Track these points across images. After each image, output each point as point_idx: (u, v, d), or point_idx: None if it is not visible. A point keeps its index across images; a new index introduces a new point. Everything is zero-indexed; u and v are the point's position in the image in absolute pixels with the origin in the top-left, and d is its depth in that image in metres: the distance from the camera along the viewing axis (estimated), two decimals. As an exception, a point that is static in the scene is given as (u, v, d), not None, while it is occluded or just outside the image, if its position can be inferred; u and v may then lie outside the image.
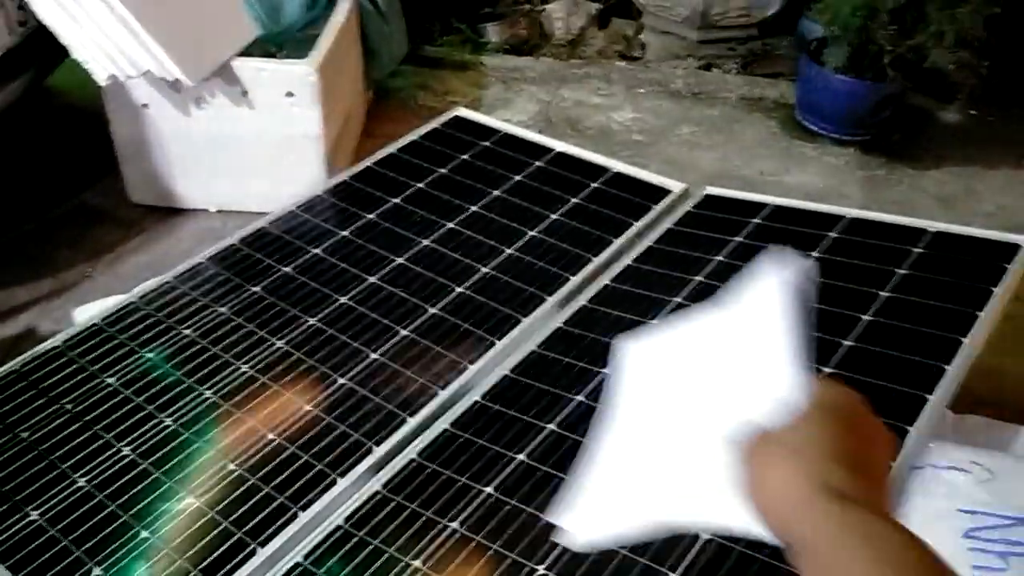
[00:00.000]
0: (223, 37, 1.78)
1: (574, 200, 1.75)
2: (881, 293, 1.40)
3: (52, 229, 1.92)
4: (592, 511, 0.69)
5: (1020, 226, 2.13)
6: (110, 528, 1.15)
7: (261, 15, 1.86)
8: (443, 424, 1.29)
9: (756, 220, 1.64)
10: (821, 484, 0.56)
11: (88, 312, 1.51)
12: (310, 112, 1.83)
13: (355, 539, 1.13)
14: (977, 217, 2.16)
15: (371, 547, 1.12)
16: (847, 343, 1.31)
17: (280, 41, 2.10)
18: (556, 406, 1.29)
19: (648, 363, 0.73)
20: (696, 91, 2.62)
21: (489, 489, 1.17)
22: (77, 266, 1.83)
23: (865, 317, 1.35)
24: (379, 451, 1.24)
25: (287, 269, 1.57)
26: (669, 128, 2.45)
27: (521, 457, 1.21)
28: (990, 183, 2.29)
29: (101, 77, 1.64)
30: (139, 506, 1.18)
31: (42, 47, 1.70)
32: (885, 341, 1.30)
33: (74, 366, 1.39)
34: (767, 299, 0.66)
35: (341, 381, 1.35)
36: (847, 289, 1.42)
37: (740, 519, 0.61)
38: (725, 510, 0.62)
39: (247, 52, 1.87)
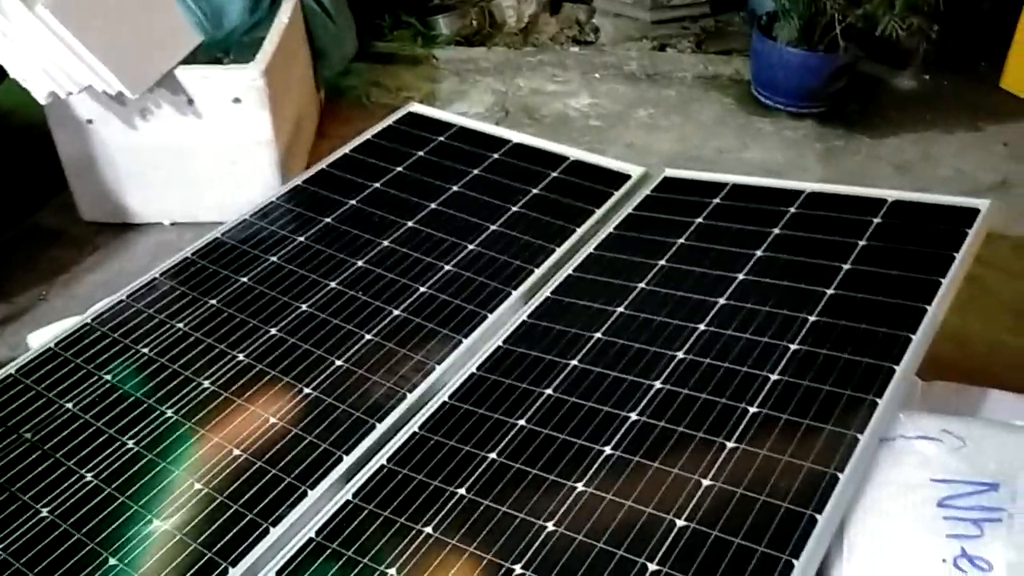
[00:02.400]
0: (164, 46, 1.74)
1: (533, 191, 1.73)
2: (843, 265, 1.40)
3: (4, 252, 1.87)
4: None
5: (978, 189, 2.15)
6: (76, 557, 1.12)
7: (202, 20, 1.82)
8: (412, 427, 1.27)
9: (716, 200, 1.63)
10: None
11: (42, 337, 1.47)
12: (259, 117, 1.79)
13: (328, 551, 1.11)
14: (935, 182, 2.17)
15: (345, 558, 1.10)
16: (812, 318, 1.30)
17: (226, 47, 2.06)
18: (525, 401, 1.27)
19: None
20: (651, 72, 2.61)
21: (462, 491, 1.16)
22: (31, 289, 1.78)
23: (828, 291, 1.35)
24: (348, 460, 1.22)
25: (244, 279, 1.54)
26: (626, 112, 2.44)
27: (493, 456, 1.20)
28: (946, 147, 2.30)
29: (41, 95, 1.60)
30: (105, 533, 1.15)
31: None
32: (850, 314, 1.30)
33: (30, 393, 1.35)
34: None
35: (306, 391, 1.33)
36: (809, 264, 1.42)
37: None
38: None
39: (192, 60, 1.83)
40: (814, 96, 2.42)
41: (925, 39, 2.30)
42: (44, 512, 1.18)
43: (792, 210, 1.56)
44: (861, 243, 1.44)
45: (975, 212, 1.46)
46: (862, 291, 1.34)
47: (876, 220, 1.49)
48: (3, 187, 2.00)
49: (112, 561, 1.12)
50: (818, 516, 1.02)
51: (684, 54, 2.74)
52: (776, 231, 1.51)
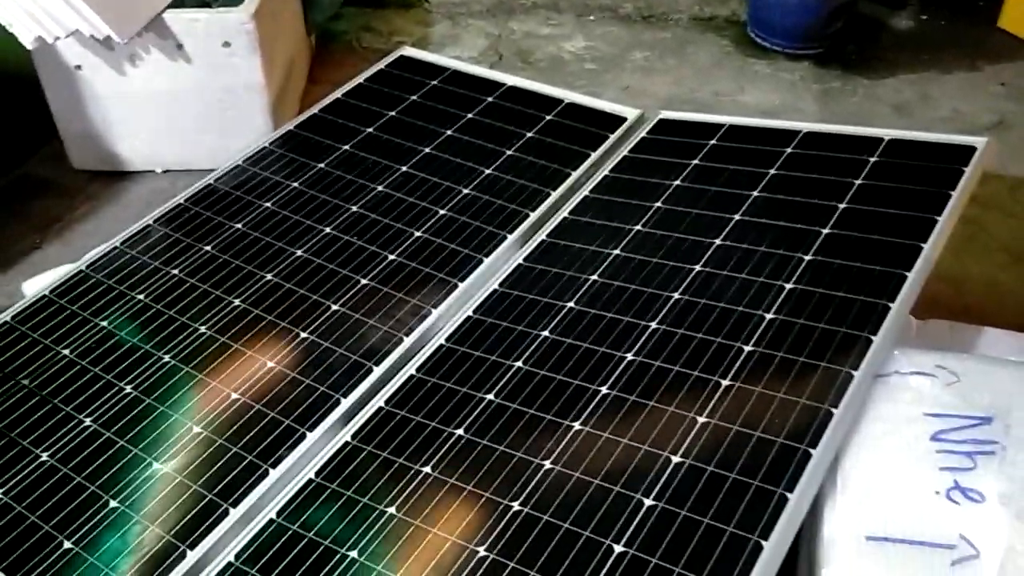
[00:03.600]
0: (151, -11, 1.71)
1: (528, 134, 1.72)
2: (839, 205, 1.39)
3: (-5, 202, 1.86)
4: None
5: (976, 129, 2.13)
6: (78, 500, 1.14)
7: (190, -37, 1.79)
8: (410, 370, 1.27)
9: (712, 141, 1.62)
10: None
11: (37, 284, 1.47)
12: (250, 61, 1.77)
13: (328, 491, 1.12)
14: (934, 123, 2.15)
15: (344, 497, 1.11)
16: (807, 257, 1.30)
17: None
18: (522, 344, 1.28)
19: None
20: (647, 15, 2.58)
21: (460, 431, 1.17)
22: (26, 238, 1.77)
23: (824, 230, 1.35)
24: (347, 402, 1.23)
25: (238, 225, 1.53)
26: (621, 55, 2.41)
27: (490, 396, 1.20)
28: (945, 88, 2.28)
29: (27, 40, 1.57)
30: (105, 476, 1.16)
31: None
32: (845, 253, 1.30)
33: (27, 340, 1.35)
34: None
35: (303, 335, 1.33)
36: (805, 204, 1.41)
37: None
38: None
39: (180, 3, 1.80)
40: (811, 37, 2.40)
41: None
42: (44, 456, 1.19)
43: (788, 150, 1.55)
44: (857, 182, 1.43)
45: (971, 150, 1.45)
46: (857, 230, 1.33)
47: (872, 159, 1.48)
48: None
49: (113, 504, 1.13)
50: (812, 451, 1.03)
51: (680, -5, 2.70)
52: (772, 171, 1.51)
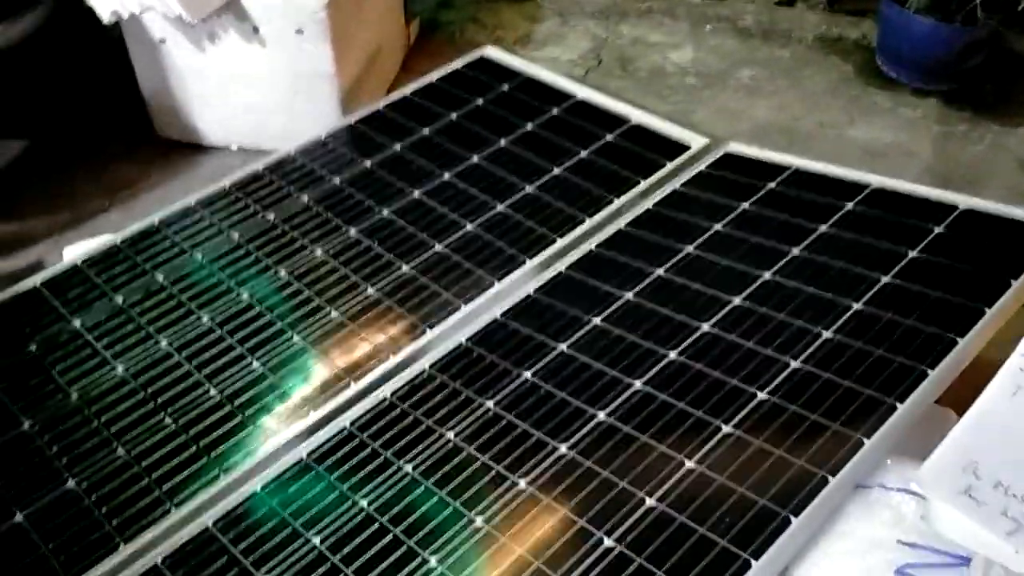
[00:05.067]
0: (233, -29, 1.74)
1: (582, 153, 1.64)
2: (881, 278, 1.25)
3: (78, 161, 1.95)
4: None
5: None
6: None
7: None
8: (385, 392, 1.24)
9: (771, 184, 1.49)
10: None
11: (76, 251, 1.52)
12: (320, 49, 1.77)
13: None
14: (1065, 184, 1.91)
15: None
16: (826, 334, 1.17)
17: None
18: (500, 383, 1.22)
19: None
20: (767, 28, 2.41)
21: (409, 467, 1.13)
22: (96, 200, 1.86)
23: (856, 305, 1.21)
24: (315, 415, 1.22)
25: (271, 216, 1.54)
26: (728, 71, 2.26)
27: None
28: (1093, 144, 2.02)
29: (104, 14, 1.63)
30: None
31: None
32: (869, 335, 1.16)
33: (45, 307, 1.41)
34: None
35: (296, 339, 1.33)
36: (845, 272, 1.27)
37: None
38: None
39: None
40: (943, 72, 2.17)
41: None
42: (26, 426, 1.24)
43: (848, 206, 1.41)
44: (911, 254, 1.28)
45: (1057, 235, 1.26)
46: (892, 310, 1.19)
47: (938, 229, 1.32)
48: (83, 98, 2.07)
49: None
50: (754, 562, 0.92)
51: (811, 11, 2.51)
52: (822, 228, 1.37)
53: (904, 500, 0.96)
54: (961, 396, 1.12)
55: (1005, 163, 1.99)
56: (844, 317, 1.20)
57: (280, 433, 1.20)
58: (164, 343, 1.33)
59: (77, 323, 1.37)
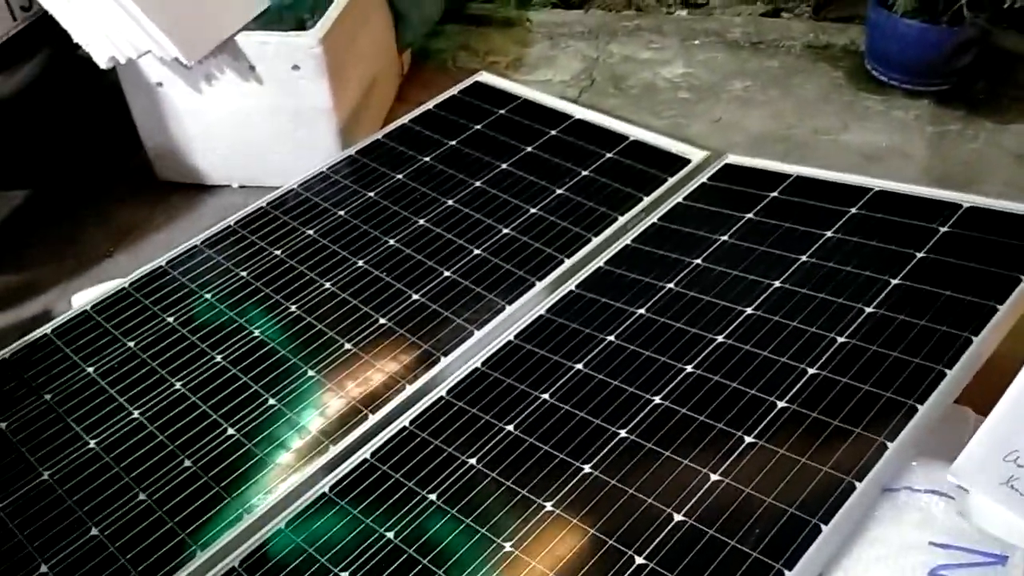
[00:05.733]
0: (227, 12, 1.75)
1: (584, 172, 1.65)
2: (891, 280, 1.25)
3: (81, 207, 1.96)
4: None
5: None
6: (65, 522, 1.17)
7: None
8: (404, 421, 1.24)
9: (773, 193, 1.50)
10: None
11: (85, 298, 1.53)
12: (318, 85, 1.78)
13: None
14: (1063, 178, 1.92)
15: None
16: (840, 339, 1.18)
17: (311, 7, 2.05)
18: (519, 405, 1.22)
19: None
20: (756, 40, 2.43)
21: (433, 496, 1.12)
22: (102, 245, 1.86)
23: (867, 309, 1.22)
24: (335, 449, 1.21)
25: (276, 252, 1.54)
26: (720, 83, 2.28)
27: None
28: (1088, 136, 2.03)
29: (101, 60, 1.64)
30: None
31: (56, 27, 1.71)
32: (883, 338, 1.16)
33: (58, 355, 1.41)
34: None
35: (311, 373, 1.33)
36: (854, 276, 1.28)
37: None
38: None
39: (276, 24, 1.83)
40: (934, 73, 2.19)
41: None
42: (45, 475, 1.23)
43: (852, 210, 1.41)
44: (919, 255, 1.29)
45: (1061, 227, 1.27)
46: (904, 312, 1.20)
47: (943, 229, 1.32)
48: (85, 144, 2.07)
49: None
50: (788, 572, 0.92)
51: (797, 20, 2.53)
52: (828, 234, 1.38)
53: (933, 501, 0.96)
54: (976, 393, 1.12)
55: (1001, 159, 2.00)
56: (857, 321, 1.20)
57: (301, 469, 1.19)
58: (178, 384, 1.33)
59: (90, 370, 1.37)
